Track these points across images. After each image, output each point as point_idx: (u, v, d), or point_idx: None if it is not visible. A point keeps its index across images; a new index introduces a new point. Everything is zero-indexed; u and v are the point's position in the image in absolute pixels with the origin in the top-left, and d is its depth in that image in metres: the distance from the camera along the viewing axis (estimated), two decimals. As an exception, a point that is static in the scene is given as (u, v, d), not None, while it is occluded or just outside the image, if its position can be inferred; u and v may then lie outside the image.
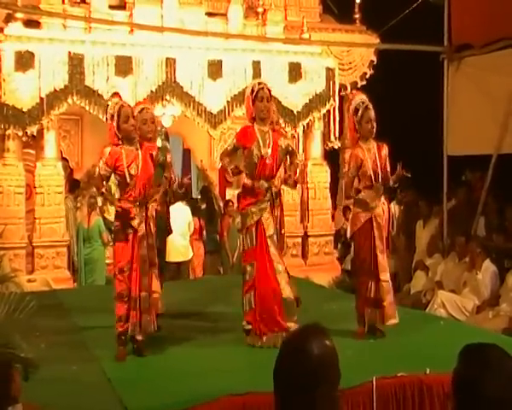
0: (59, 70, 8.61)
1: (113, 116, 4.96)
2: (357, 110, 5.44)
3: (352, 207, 5.76)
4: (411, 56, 10.02)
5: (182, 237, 9.02)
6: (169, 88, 9.07)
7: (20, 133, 8.66)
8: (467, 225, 9.09)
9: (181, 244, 9.08)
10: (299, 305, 5.27)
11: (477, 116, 9.13)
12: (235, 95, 9.29)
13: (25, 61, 8.52)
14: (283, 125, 9.46)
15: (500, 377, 1.88)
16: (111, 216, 9.09)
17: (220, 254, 10.19)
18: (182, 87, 9.13)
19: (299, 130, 10.11)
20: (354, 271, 6.01)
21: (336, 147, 10.65)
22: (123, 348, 4.91)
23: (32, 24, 9.00)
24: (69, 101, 8.72)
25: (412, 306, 7.79)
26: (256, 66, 9.49)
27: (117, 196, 5.19)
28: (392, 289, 5.46)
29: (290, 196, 9.81)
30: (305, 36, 10.32)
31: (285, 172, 5.44)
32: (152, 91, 8.96)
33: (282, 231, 5.51)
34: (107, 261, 9.40)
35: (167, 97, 9.11)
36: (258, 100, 5.24)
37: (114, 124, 4.96)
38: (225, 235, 9.94)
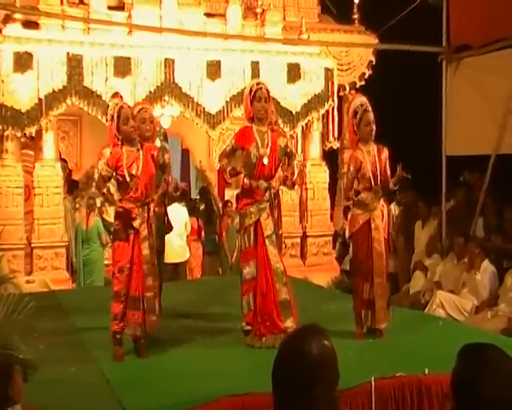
0: (57, 71, 8.61)
1: (113, 117, 4.96)
2: (356, 113, 5.45)
3: (351, 207, 5.76)
4: (410, 57, 10.02)
5: (178, 237, 9.01)
6: (168, 89, 9.07)
7: (19, 134, 8.67)
8: (465, 226, 9.10)
9: (178, 245, 9.07)
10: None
11: (476, 117, 9.13)
12: (233, 95, 9.30)
13: (23, 61, 8.52)
14: (282, 126, 9.47)
15: (499, 378, 1.88)
16: (110, 217, 9.10)
17: (219, 254, 10.18)
18: (180, 88, 9.13)
19: (298, 130, 10.11)
20: (352, 271, 6.01)
21: (335, 147, 10.67)
22: (119, 348, 4.91)
23: (30, 25, 8.99)
24: (68, 102, 8.72)
25: (411, 306, 7.80)
26: (255, 66, 9.50)
27: (116, 196, 5.18)
28: (387, 292, 5.44)
29: (289, 197, 9.81)
30: (304, 36, 10.32)
31: (283, 173, 5.43)
32: (151, 92, 8.96)
33: (280, 232, 5.50)
34: (106, 262, 9.40)
35: (166, 98, 9.11)
36: (257, 100, 5.23)
37: (114, 125, 4.96)
38: (224, 236, 9.93)
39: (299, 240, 10.27)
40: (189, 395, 4.00)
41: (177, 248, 9.08)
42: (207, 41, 9.52)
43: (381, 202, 5.50)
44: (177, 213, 8.67)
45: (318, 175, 10.37)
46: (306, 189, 10.25)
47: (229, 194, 9.84)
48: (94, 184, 10.06)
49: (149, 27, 9.35)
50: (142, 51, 9.02)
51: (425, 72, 9.85)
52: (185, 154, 12.84)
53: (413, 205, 10.10)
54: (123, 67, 8.85)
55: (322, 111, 10.07)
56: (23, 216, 8.91)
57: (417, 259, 9.47)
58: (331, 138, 10.38)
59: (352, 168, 5.49)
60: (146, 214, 4.93)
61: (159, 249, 5.48)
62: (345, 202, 6.58)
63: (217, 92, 9.29)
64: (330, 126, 10.30)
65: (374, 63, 10.97)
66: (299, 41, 10.25)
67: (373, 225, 5.37)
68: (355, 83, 10.98)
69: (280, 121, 9.55)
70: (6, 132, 8.60)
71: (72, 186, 10.32)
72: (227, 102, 9.33)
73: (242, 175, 5.29)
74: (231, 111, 9.35)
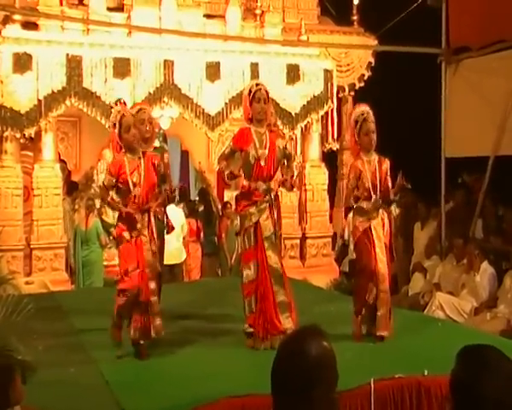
0: (57, 72, 8.61)
1: (115, 125, 4.99)
2: (356, 122, 5.45)
3: (352, 212, 5.72)
4: (409, 58, 10.03)
5: (175, 239, 8.98)
6: (167, 90, 9.08)
7: (18, 135, 8.67)
8: (465, 227, 9.10)
9: (174, 247, 9.05)
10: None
11: (475, 118, 9.14)
12: (233, 97, 9.30)
13: (23, 62, 8.52)
14: (281, 127, 9.48)
15: (498, 379, 1.88)
16: (109, 218, 9.11)
17: (218, 256, 10.17)
18: (180, 89, 9.14)
19: (297, 132, 10.11)
20: (354, 273, 6.00)
21: (334, 149, 10.68)
22: (118, 330, 5.00)
23: (29, 26, 9.00)
24: (67, 103, 8.73)
25: (410, 308, 7.79)
26: (254, 68, 9.50)
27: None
28: (389, 300, 5.42)
29: (288, 198, 9.82)
30: (303, 38, 10.33)
31: (282, 174, 5.43)
32: (150, 93, 8.97)
33: (279, 233, 5.50)
34: (105, 263, 9.40)
35: (165, 99, 9.11)
36: (256, 101, 5.23)
37: (116, 133, 4.98)
38: (223, 237, 9.92)
39: (298, 241, 10.28)
40: (189, 396, 4.00)
41: (174, 249, 9.06)
42: (207, 42, 9.53)
43: (381, 212, 5.47)
44: (174, 215, 8.66)
45: (317, 177, 10.37)
46: (306, 190, 10.26)
47: (229, 195, 9.83)
48: (94, 187, 10.11)
49: (149, 28, 9.36)
50: (142, 52, 9.03)
51: (424, 73, 9.86)
52: (184, 155, 12.84)
53: (412, 206, 10.09)
54: (122, 68, 8.86)
55: (322, 112, 10.08)
56: (22, 217, 8.92)
57: (416, 260, 9.47)
58: (330, 140, 10.39)
59: (352, 177, 5.49)
60: (147, 219, 4.97)
61: (159, 250, 5.48)
62: (343, 210, 6.57)
63: (216, 93, 9.30)
64: (329, 128, 10.30)
65: (373, 65, 10.99)
66: (298, 42, 10.26)
67: (375, 233, 5.37)
68: (354, 84, 11.00)
69: (279, 123, 9.57)
70: (5, 133, 8.61)
71: (71, 187, 10.32)
72: (226, 103, 9.34)
73: (242, 177, 5.29)
74: (231, 112, 9.36)
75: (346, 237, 9.15)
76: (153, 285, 4.95)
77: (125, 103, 5.33)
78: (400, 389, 4.15)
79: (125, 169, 4.93)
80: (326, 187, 10.45)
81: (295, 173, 5.55)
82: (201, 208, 10.88)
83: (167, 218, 6.12)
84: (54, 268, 8.97)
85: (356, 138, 5.49)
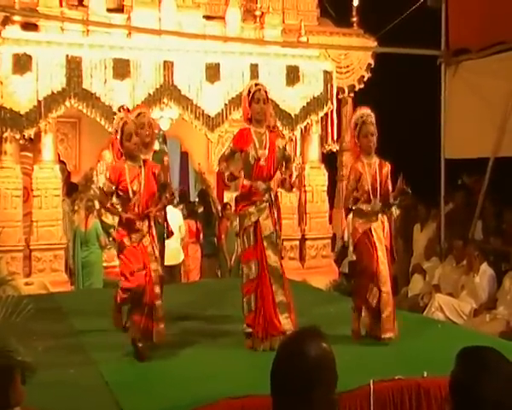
0: (56, 73, 8.61)
1: (117, 132, 4.99)
2: (356, 124, 5.45)
3: (352, 215, 5.71)
4: (409, 60, 10.04)
5: (173, 240, 8.95)
6: (167, 91, 9.08)
7: (18, 136, 8.66)
8: (464, 229, 9.11)
9: (172, 248, 9.02)
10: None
11: (474, 120, 9.15)
12: (232, 98, 9.30)
13: (22, 63, 8.52)
14: (281, 129, 9.48)
15: (497, 380, 1.89)
16: (108, 219, 9.11)
17: (218, 257, 10.17)
18: (179, 90, 9.14)
19: (297, 133, 10.12)
20: (353, 274, 5.98)
21: (334, 150, 10.67)
22: (118, 314, 5.05)
23: (29, 27, 9.01)
24: (67, 104, 8.73)
25: (410, 309, 7.79)
26: (254, 69, 9.51)
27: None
28: (392, 301, 5.41)
29: (288, 199, 9.82)
30: (303, 39, 10.33)
31: (281, 175, 5.43)
32: (150, 94, 8.97)
33: (280, 233, 5.50)
34: (105, 264, 9.40)
35: (165, 100, 9.11)
36: (255, 101, 5.23)
37: (118, 138, 4.99)
38: (223, 238, 9.92)
39: (297, 243, 10.28)
40: (189, 397, 3.99)
41: (172, 250, 9.04)
42: (206, 43, 9.53)
43: (380, 216, 5.46)
44: (172, 216, 8.66)
45: (317, 178, 10.38)
46: (305, 191, 10.26)
47: (229, 196, 9.84)
48: (93, 188, 10.10)
49: (148, 30, 9.36)
50: (142, 53, 9.03)
51: (424, 75, 9.87)
52: (184, 156, 12.84)
53: (412, 208, 10.10)
54: (122, 69, 8.86)
55: (321, 114, 10.08)
56: (22, 218, 8.91)
57: (416, 262, 9.48)
58: (330, 141, 10.38)
59: (351, 180, 5.49)
60: (147, 224, 4.98)
61: (160, 254, 5.48)
62: (344, 211, 6.55)
63: (216, 95, 9.30)
64: (329, 129, 10.30)
65: (373, 66, 11.00)
66: (298, 44, 10.26)
67: (375, 235, 5.36)
68: (354, 86, 11.01)
69: (279, 124, 9.57)
70: (5, 134, 8.60)
71: (70, 188, 10.32)
72: (226, 104, 9.34)
73: (241, 178, 5.30)
74: (230, 113, 9.36)
75: (345, 238, 9.15)
76: (157, 289, 4.95)
77: (128, 110, 5.34)
78: (400, 390, 4.15)
79: (126, 177, 4.93)
80: (325, 188, 10.45)
81: (294, 174, 5.55)
82: (201, 210, 10.88)
83: (167, 223, 6.12)
84: (53, 269, 8.97)
85: (356, 140, 5.50)
